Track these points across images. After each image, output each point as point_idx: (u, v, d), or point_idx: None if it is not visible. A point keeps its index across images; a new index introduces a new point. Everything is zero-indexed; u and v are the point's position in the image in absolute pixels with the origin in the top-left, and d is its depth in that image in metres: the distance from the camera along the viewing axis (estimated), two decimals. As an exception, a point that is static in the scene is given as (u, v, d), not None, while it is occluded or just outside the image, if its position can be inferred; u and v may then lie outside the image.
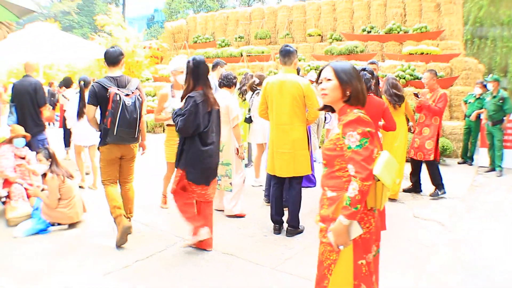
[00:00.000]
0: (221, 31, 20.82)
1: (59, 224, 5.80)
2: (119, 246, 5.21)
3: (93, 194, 7.11)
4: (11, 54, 9.65)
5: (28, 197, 6.34)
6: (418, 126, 7.50)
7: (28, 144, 6.81)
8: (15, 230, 5.63)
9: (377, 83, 5.89)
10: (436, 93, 7.33)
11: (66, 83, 10.17)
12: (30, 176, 6.58)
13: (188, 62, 4.84)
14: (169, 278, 4.44)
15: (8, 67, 19.37)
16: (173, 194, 4.98)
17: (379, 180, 2.64)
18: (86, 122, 6.23)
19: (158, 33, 46.66)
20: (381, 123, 5.86)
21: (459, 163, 10.46)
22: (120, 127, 4.99)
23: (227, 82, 6.28)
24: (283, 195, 5.65)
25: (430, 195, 7.31)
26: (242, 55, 17.39)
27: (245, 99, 8.22)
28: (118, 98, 4.95)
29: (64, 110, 8.55)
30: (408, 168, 7.81)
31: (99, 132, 5.26)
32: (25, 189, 6.37)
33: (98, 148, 5.36)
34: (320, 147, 8.96)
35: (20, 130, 6.67)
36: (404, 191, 7.72)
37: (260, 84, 7.42)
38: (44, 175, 5.94)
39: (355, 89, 2.73)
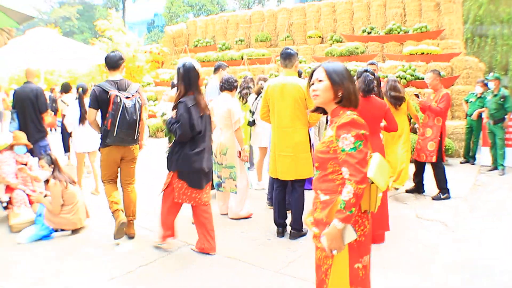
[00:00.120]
0: (221, 34, 20.83)
1: (62, 230, 5.81)
2: (115, 238, 5.43)
3: (96, 199, 7.11)
4: (12, 60, 9.67)
5: (31, 203, 6.36)
6: (422, 127, 7.48)
7: (30, 150, 6.82)
8: (19, 236, 5.64)
9: (378, 84, 5.89)
10: (438, 93, 7.31)
11: (65, 88, 10.20)
12: (32, 182, 6.60)
13: (179, 68, 4.91)
14: (173, 283, 4.44)
15: (9, 73, 19.42)
16: (162, 195, 5.08)
17: (373, 182, 2.62)
18: (86, 128, 6.35)
19: (158, 37, 46.71)
20: (383, 124, 5.84)
21: (461, 162, 10.44)
22: (120, 128, 5.13)
23: (228, 86, 6.29)
24: (286, 198, 5.65)
25: (433, 198, 7.29)
26: (243, 58, 17.41)
27: (245, 102, 8.22)
28: (118, 100, 5.10)
29: (64, 115, 8.58)
30: (412, 169, 7.80)
31: (100, 135, 5.37)
32: (28, 195, 6.39)
33: (99, 149, 5.47)
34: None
35: (22, 137, 6.68)
36: (407, 191, 7.72)
37: None
38: (46, 181, 5.95)
39: (347, 90, 2.68)
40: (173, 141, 5.06)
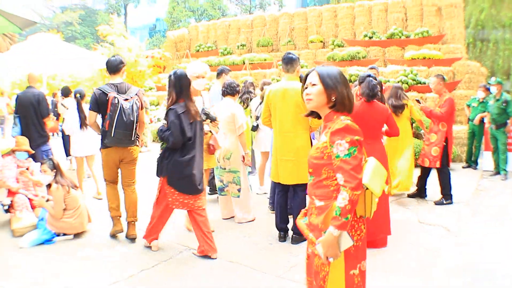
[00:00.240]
0: (223, 39, 20.88)
1: (64, 234, 5.82)
2: (111, 236, 5.83)
3: (97, 203, 7.11)
4: (15, 65, 9.68)
5: (33, 207, 6.37)
6: (428, 132, 7.48)
7: (32, 155, 6.84)
8: (21, 240, 5.65)
9: (380, 89, 5.90)
10: (442, 98, 7.29)
11: (65, 92, 10.26)
12: (34, 187, 6.61)
13: (170, 76, 5.02)
14: (175, 287, 4.44)
15: (12, 78, 19.44)
16: (155, 200, 5.22)
17: (367, 188, 2.60)
18: (84, 133, 6.94)
19: (160, 42, 46.81)
20: (384, 129, 5.85)
21: (463, 167, 10.42)
22: (117, 129, 5.26)
23: (230, 90, 6.32)
24: (288, 202, 5.65)
25: (435, 203, 7.28)
26: (244, 63, 17.43)
27: (246, 107, 8.23)
28: (116, 102, 5.25)
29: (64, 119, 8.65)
30: (417, 173, 7.81)
31: (100, 136, 5.54)
32: (30, 199, 6.40)
33: (100, 150, 5.63)
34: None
35: (24, 143, 6.70)
36: (409, 196, 7.72)
37: None
38: (48, 185, 5.95)
39: (341, 94, 2.65)
40: (163, 147, 5.15)
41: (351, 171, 2.47)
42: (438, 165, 7.15)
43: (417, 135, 9.92)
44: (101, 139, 5.52)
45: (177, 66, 19.66)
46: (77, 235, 5.89)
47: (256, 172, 8.47)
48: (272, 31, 19.68)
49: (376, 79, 5.47)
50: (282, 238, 5.66)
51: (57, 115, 12.19)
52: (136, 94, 5.54)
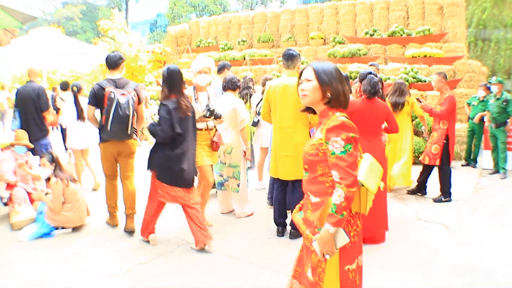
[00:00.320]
0: (223, 35, 20.85)
1: (63, 227, 5.83)
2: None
3: (96, 197, 7.11)
4: (15, 60, 9.67)
5: (32, 201, 6.37)
6: (432, 130, 7.50)
7: (32, 149, 6.85)
8: (20, 234, 5.66)
9: (381, 86, 5.91)
10: (443, 96, 7.29)
11: (63, 86, 10.31)
12: (33, 180, 6.61)
13: (164, 71, 5.09)
14: (173, 281, 4.45)
15: (12, 73, 19.43)
16: (148, 194, 5.33)
17: (363, 185, 2.59)
18: (80, 126, 7.27)
19: (161, 37, 46.78)
20: (384, 126, 5.85)
21: (462, 165, 10.42)
22: (113, 123, 5.37)
23: (231, 86, 6.33)
24: (286, 198, 5.65)
25: (434, 200, 7.30)
26: (245, 59, 17.42)
27: (245, 102, 8.22)
28: (112, 96, 5.36)
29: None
30: (418, 170, 7.84)
31: (98, 130, 5.71)
32: (29, 193, 6.41)
33: (98, 144, 5.77)
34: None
35: (23, 137, 6.71)
36: (408, 192, 7.75)
37: None
38: (48, 179, 5.96)
39: (336, 90, 2.62)
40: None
41: (347, 168, 2.46)
42: (437, 162, 7.16)
43: (416, 133, 9.95)
44: (99, 133, 5.64)
45: (178, 61, 19.67)
46: (75, 229, 5.90)
47: (255, 167, 8.48)
48: (273, 28, 19.66)
49: (376, 76, 5.48)
50: (280, 233, 5.67)
51: (57, 109, 12.20)
52: (134, 89, 5.64)
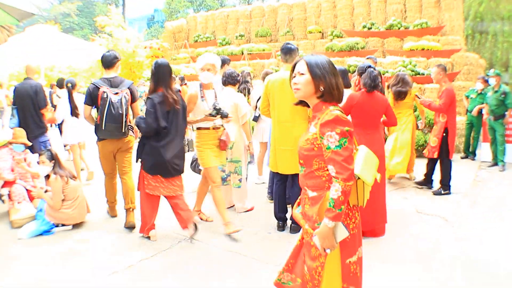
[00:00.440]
0: (221, 29, 20.81)
1: (63, 225, 5.83)
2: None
3: (96, 194, 7.11)
4: (12, 57, 9.66)
5: (32, 199, 6.37)
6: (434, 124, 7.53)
7: (31, 146, 6.85)
8: (19, 231, 5.66)
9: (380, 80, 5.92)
10: (441, 88, 7.30)
11: (60, 83, 10.37)
12: (32, 178, 6.60)
13: (152, 65, 5.20)
14: (174, 276, 4.45)
15: (10, 70, 19.37)
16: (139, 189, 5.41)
17: (359, 178, 2.59)
18: (74, 121, 7.48)
19: (158, 33, 46.68)
20: (382, 119, 5.86)
21: (461, 157, 10.44)
22: (107, 122, 5.50)
23: (231, 80, 6.33)
24: (286, 192, 5.66)
25: (433, 193, 7.32)
26: (243, 53, 17.39)
27: (244, 96, 8.21)
28: (105, 96, 5.49)
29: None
30: (418, 162, 8.01)
31: (94, 128, 5.76)
32: (28, 190, 6.41)
33: (96, 143, 5.89)
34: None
35: (21, 136, 6.71)
36: (416, 183, 7.85)
37: None
38: (47, 176, 5.96)
39: (329, 84, 2.61)
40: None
41: (343, 162, 2.46)
42: (436, 155, 7.19)
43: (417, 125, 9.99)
44: (95, 132, 5.73)
45: (176, 57, 19.63)
46: (75, 226, 5.90)
47: (255, 162, 8.47)
48: (271, 22, 19.61)
49: (375, 69, 5.49)
50: (281, 227, 5.69)
51: (55, 107, 12.21)
52: (128, 88, 5.75)
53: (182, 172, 5.41)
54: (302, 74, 2.65)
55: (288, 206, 5.74)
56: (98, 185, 7.87)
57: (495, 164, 9.53)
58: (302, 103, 2.80)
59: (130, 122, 5.75)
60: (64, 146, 10.44)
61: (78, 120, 7.71)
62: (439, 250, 5.07)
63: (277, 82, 5.35)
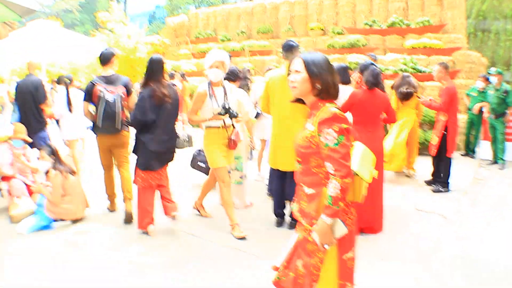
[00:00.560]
0: (222, 26, 20.79)
1: (62, 220, 5.84)
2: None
3: (95, 190, 7.11)
4: (14, 53, 9.66)
5: (31, 193, 6.38)
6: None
7: (31, 142, 6.85)
8: (19, 226, 5.67)
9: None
10: (442, 87, 7.30)
11: (59, 80, 10.41)
12: (32, 173, 6.61)
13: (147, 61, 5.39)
14: (173, 272, 4.46)
15: (11, 66, 19.36)
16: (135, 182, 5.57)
17: (357, 174, 2.58)
18: (71, 117, 7.76)
19: (159, 29, 46.43)
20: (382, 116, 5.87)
21: (461, 155, 10.44)
22: (103, 120, 5.68)
23: (233, 77, 6.34)
24: (285, 189, 5.65)
25: (433, 191, 7.33)
26: (244, 50, 17.37)
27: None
28: (102, 95, 5.66)
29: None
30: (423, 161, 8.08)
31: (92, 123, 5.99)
32: (28, 186, 6.42)
33: (96, 138, 6.07)
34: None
35: (21, 131, 6.71)
36: (426, 182, 7.83)
37: None
38: (47, 172, 5.96)
39: (325, 82, 2.60)
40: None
41: (341, 160, 2.46)
42: (434, 153, 7.24)
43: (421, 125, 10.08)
44: (92, 128, 5.96)
45: (177, 53, 19.62)
46: (75, 221, 5.91)
47: (254, 159, 8.48)
48: (272, 19, 19.56)
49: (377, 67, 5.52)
50: (280, 224, 5.70)
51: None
52: (124, 85, 5.91)
53: (171, 160, 5.63)
54: (299, 72, 2.65)
55: (287, 202, 5.74)
56: (98, 181, 7.88)
57: (495, 162, 9.53)
58: (299, 100, 2.80)
59: (127, 118, 5.91)
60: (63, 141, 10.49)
61: (77, 116, 7.75)
62: (440, 249, 5.07)
63: (278, 79, 5.35)
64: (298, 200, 2.80)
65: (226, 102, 5.37)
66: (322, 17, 18.28)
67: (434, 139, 7.24)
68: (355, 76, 6.06)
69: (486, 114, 9.76)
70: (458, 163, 9.44)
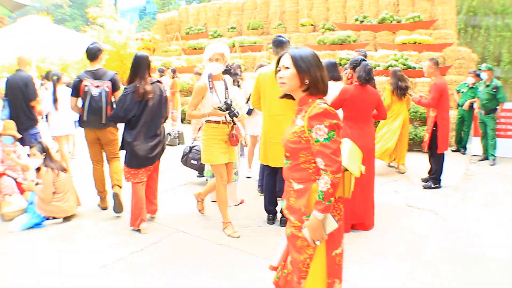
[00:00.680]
0: (213, 22, 20.77)
1: (54, 218, 5.81)
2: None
3: (87, 187, 7.09)
4: (3, 48, 9.60)
5: (22, 191, 6.35)
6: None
7: (21, 139, 6.81)
8: (10, 224, 5.64)
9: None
10: (431, 83, 7.32)
11: (47, 76, 10.36)
12: (23, 170, 6.57)
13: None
14: (164, 269, 4.46)
15: (1, 61, 19.23)
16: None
17: (346, 170, 2.62)
18: (59, 114, 7.83)
19: (150, 24, 46.36)
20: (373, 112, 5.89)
21: (452, 151, 10.49)
22: (88, 114, 5.75)
23: (225, 72, 6.29)
24: (276, 185, 5.66)
25: (424, 187, 7.36)
26: (234, 46, 17.35)
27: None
28: (86, 90, 5.74)
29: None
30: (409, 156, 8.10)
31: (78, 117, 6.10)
32: (19, 183, 6.38)
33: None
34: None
35: (11, 127, 6.67)
36: (422, 180, 7.82)
37: None
38: (38, 169, 5.93)
39: (314, 78, 2.61)
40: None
41: (331, 155, 2.48)
42: (425, 149, 7.29)
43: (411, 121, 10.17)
44: (78, 121, 6.08)
45: (167, 49, 19.56)
46: (66, 219, 5.88)
47: (245, 155, 8.48)
48: (263, 14, 19.58)
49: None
50: (271, 220, 5.70)
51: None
52: (110, 80, 5.93)
53: (158, 159, 5.64)
54: (287, 68, 2.65)
55: (278, 199, 5.75)
56: (89, 178, 7.86)
57: (486, 158, 9.59)
58: (289, 96, 2.80)
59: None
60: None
61: (65, 113, 7.80)
62: (431, 244, 5.10)
63: (268, 75, 5.33)
64: (286, 196, 2.80)
65: (228, 98, 5.25)
66: (312, 12, 18.33)
67: (425, 135, 7.28)
68: (346, 72, 6.06)
69: (476, 110, 9.81)
70: (449, 159, 9.49)
